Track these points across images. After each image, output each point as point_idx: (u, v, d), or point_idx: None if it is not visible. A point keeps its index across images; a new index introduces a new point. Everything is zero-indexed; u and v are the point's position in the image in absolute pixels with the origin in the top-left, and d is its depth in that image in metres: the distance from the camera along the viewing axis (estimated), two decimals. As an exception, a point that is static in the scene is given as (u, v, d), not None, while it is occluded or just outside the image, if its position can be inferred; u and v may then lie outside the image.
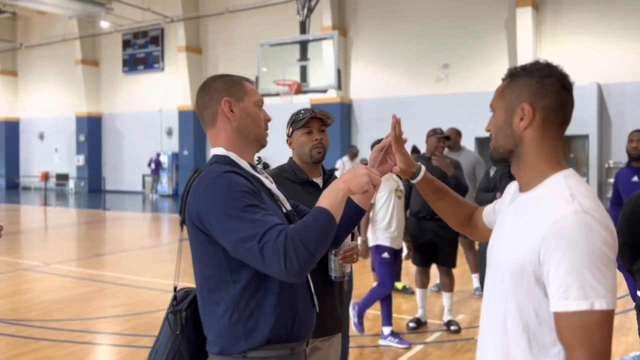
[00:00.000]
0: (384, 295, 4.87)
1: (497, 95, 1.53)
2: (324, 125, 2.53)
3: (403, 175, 1.87)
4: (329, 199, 1.60)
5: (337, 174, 2.81)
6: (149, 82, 22.85)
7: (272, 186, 1.85)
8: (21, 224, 14.59)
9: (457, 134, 6.87)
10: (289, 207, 1.86)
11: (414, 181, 1.88)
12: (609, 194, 13.74)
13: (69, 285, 7.24)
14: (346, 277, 2.26)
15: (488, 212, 1.83)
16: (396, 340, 4.86)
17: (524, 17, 14.89)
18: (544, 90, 1.42)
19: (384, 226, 4.85)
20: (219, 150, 1.81)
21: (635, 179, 4.65)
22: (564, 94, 1.43)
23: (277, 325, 1.70)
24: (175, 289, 1.86)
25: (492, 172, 5.17)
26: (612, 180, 13.85)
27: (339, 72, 11.18)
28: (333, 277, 2.24)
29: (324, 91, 11.53)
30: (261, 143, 1.86)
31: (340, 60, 16.52)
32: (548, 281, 1.30)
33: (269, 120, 1.88)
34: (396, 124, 1.84)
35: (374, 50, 17.72)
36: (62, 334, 5.25)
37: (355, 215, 1.88)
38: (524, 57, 14.34)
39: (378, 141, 2.01)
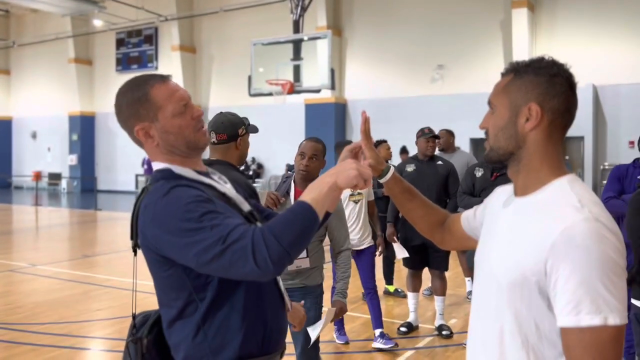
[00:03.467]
0: None
1: (498, 91, 1.41)
2: None
3: (372, 172, 1.79)
4: (313, 193, 1.46)
5: None
6: (142, 81, 22.68)
7: (227, 188, 1.72)
8: (12, 223, 14.46)
9: (450, 135, 6.78)
10: (247, 208, 1.73)
11: (382, 180, 1.80)
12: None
13: (55, 287, 7.10)
14: None
15: (468, 218, 1.71)
16: (383, 341, 4.79)
17: (520, 18, 14.84)
18: (553, 90, 1.32)
19: None
20: (159, 165, 1.67)
21: None
22: (571, 95, 1.34)
23: (247, 341, 1.61)
24: (133, 316, 1.75)
25: (478, 174, 4.90)
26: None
27: (332, 71, 11.08)
28: None
29: (317, 91, 11.44)
30: (196, 148, 1.67)
31: (335, 60, 16.43)
32: (555, 293, 1.20)
33: (199, 116, 1.66)
34: (365, 120, 1.76)
35: (370, 50, 17.63)
36: (44, 337, 5.12)
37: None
38: (520, 58, 14.02)
39: (343, 142, 1.92)
